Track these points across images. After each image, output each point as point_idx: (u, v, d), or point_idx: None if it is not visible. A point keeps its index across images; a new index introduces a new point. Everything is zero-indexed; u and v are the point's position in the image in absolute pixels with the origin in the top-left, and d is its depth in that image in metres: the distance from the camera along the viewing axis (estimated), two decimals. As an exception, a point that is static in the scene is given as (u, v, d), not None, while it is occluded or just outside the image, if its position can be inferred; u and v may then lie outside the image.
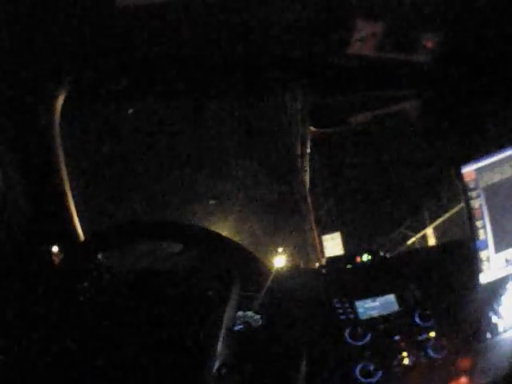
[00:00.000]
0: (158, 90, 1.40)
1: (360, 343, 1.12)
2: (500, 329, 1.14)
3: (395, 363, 1.09)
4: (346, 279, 1.28)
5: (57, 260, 1.12)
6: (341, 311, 1.18)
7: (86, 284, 0.95)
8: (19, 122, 1.19)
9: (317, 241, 9.00)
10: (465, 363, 1.10)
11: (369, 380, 1.07)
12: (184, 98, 1.49)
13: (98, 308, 0.92)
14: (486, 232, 1.18)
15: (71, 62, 1.18)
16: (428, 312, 1.17)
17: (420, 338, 1.13)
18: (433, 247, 4.07)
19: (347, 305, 1.20)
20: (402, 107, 1.57)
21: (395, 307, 1.19)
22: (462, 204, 1.20)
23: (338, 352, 1.12)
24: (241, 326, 1.08)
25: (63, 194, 1.24)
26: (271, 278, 0.96)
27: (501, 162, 1.18)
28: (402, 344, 1.12)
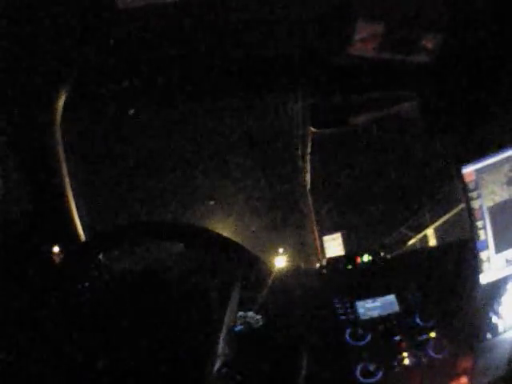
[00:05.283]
0: (159, 91, 1.40)
1: (360, 343, 1.12)
2: (500, 329, 1.14)
3: (395, 363, 1.09)
4: (347, 280, 1.28)
5: (57, 260, 1.12)
6: (341, 311, 1.18)
7: (86, 284, 0.95)
8: (20, 122, 1.19)
9: (318, 241, 8.99)
10: (465, 363, 1.09)
11: (369, 380, 1.07)
12: (184, 98, 1.49)
13: (98, 308, 0.92)
14: (486, 232, 1.17)
15: (72, 62, 1.18)
16: (428, 312, 1.17)
17: (420, 338, 1.13)
18: (433, 248, 4.05)
19: (348, 305, 1.20)
20: (402, 108, 1.57)
21: (396, 308, 1.19)
22: (463, 205, 1.20)
23: (339, 352, 1.12)
24: (241, 327, 1.08)
25: (64, 194, 1.24)
26: (272, 278, 0.96)
27: (501, 163, 1.18)
28: (403, 344, 1.12)
